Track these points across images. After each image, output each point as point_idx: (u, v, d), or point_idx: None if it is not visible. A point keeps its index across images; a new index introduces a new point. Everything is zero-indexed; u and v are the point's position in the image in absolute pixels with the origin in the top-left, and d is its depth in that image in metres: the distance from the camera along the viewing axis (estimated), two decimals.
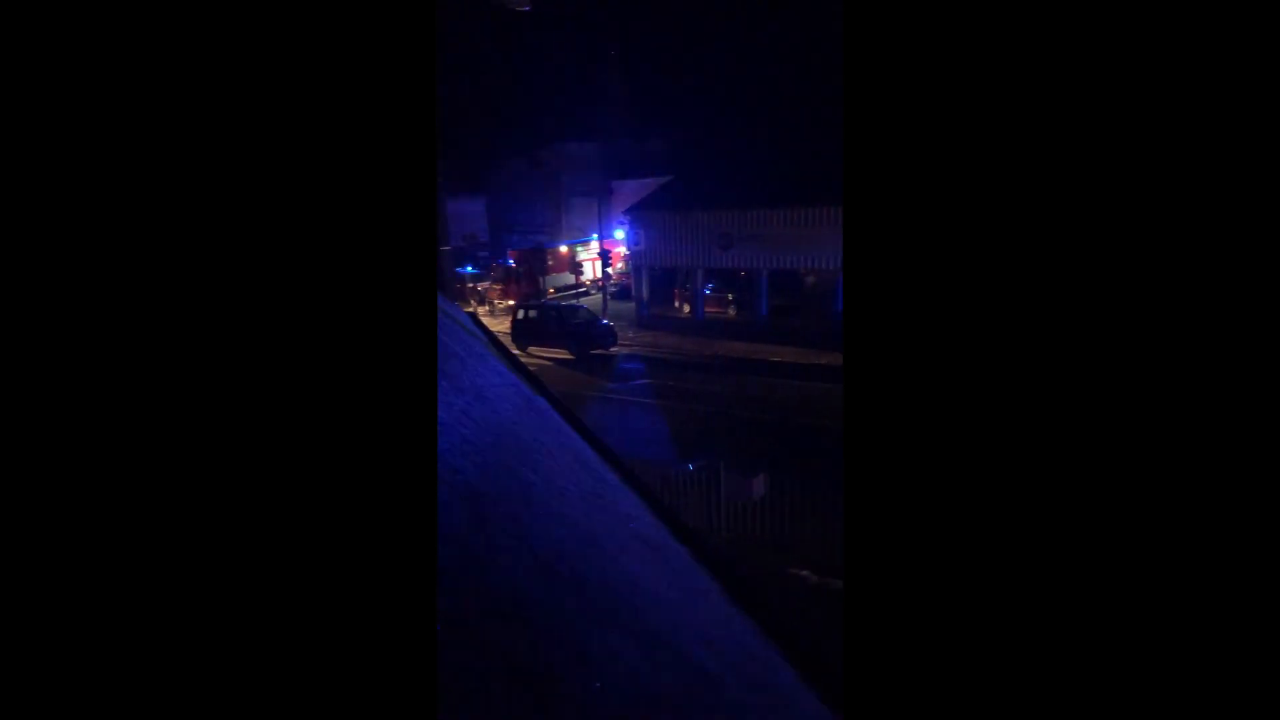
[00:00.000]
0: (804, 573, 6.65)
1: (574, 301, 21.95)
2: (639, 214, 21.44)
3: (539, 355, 17.25)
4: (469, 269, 25.75)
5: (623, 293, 23.79)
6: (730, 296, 20.69)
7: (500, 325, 18.98)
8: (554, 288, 25.05)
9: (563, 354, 17.27)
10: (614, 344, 17.69)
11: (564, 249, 26.31)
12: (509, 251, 26.22)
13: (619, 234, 23.77)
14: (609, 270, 22.98)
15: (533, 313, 18.44)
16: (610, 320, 18.93)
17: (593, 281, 25.15)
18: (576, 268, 25.81)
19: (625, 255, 23.80)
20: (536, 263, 25.15)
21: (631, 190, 25.16)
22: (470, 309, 21.13)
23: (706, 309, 20.77)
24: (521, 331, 17.84)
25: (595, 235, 26.16)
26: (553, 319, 17.92)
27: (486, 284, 24.77)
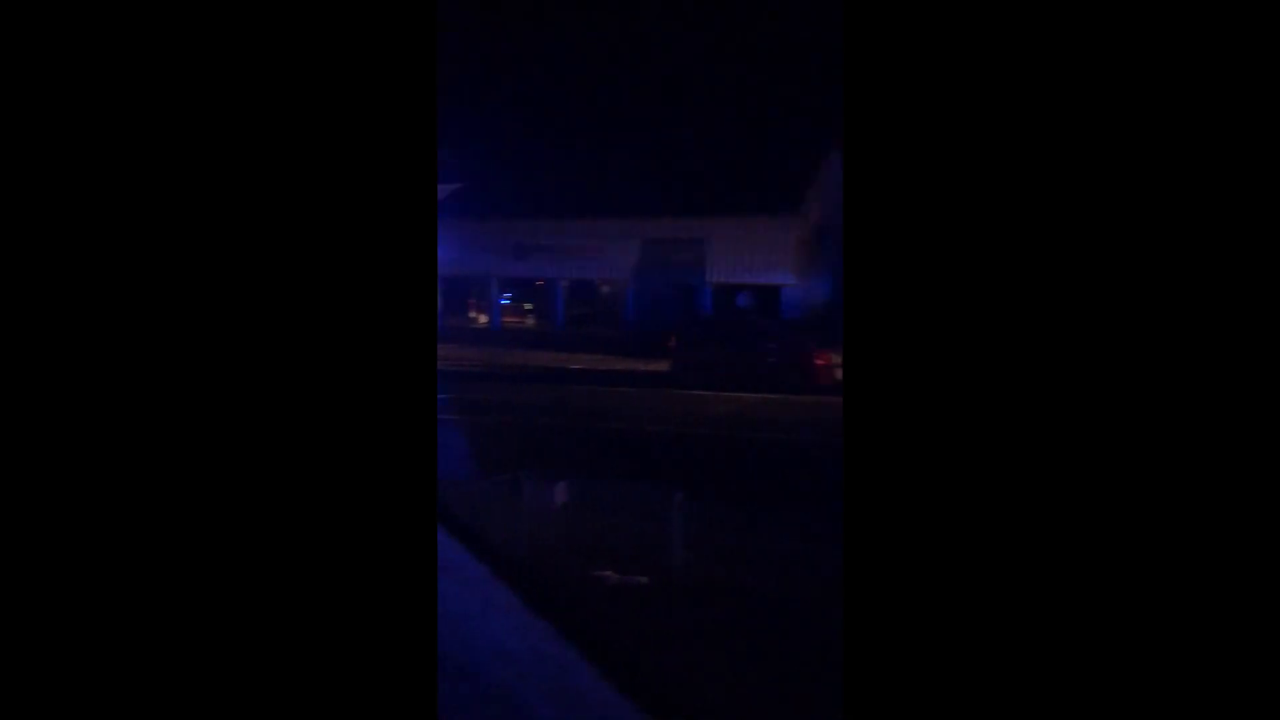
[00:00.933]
0: (607, 573, 6.82)
1: None
2: None
3: None
4: None
5: None
6: (527, 306, 20.68)
7: None
8: None
9: None
10: None
11: None
12: None
13: None
14: None
15: None
16: None
17: None
18: None
19: None
20: None
21: None
22: None
23: (504, 319, 20.56)
24: None
25: None
26: None
27: None
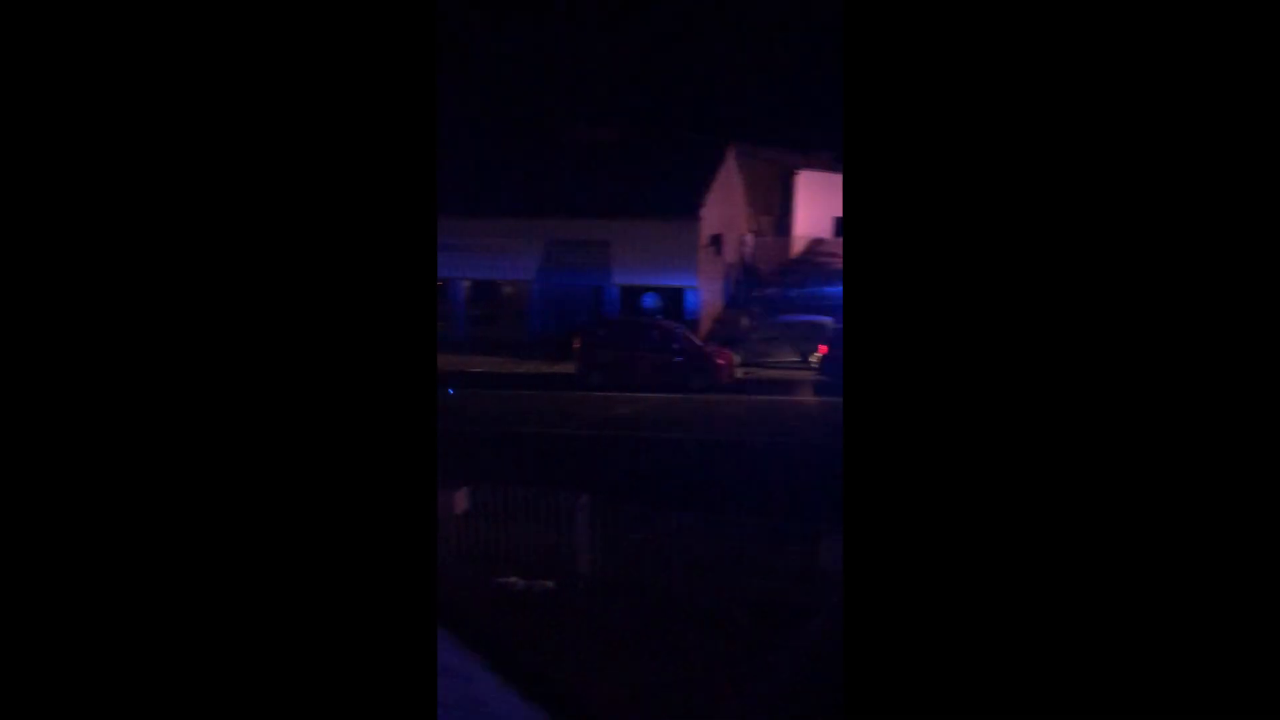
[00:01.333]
0: (512, 579, 6.70)
1: None
2: None
3: None
4: None
5: None
6: None
7: None
8: None
9: None
10: None
11: None
12: None
13: None
14: None
15: None
16: None
17: None
18: None
19: None
20: None
21: None
22: None
23: None
24: None
25: None
26: None
27: None
